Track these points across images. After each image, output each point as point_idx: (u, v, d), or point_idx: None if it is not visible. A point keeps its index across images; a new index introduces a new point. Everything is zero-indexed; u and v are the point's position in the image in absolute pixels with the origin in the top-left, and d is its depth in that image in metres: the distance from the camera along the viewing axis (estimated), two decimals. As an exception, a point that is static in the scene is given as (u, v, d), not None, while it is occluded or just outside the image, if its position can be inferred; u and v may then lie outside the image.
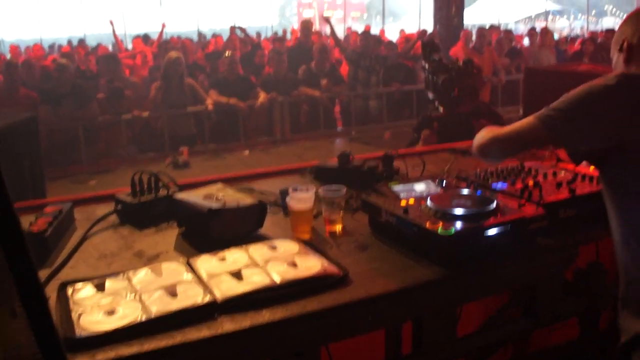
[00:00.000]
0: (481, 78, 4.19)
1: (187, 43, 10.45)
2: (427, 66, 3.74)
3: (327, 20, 9.88)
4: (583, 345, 2.53)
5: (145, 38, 12.73)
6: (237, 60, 8.40)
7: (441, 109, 3.73)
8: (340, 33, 14.36)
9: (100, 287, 1.63)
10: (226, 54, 8.44)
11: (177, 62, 7.59)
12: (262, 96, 8.16)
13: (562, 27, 27.30)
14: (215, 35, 14.60)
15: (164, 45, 9.85)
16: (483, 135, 2.08)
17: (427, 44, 4.05)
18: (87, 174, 7.08)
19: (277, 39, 11.48)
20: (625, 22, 1.96)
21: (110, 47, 13.42)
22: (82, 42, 14.94)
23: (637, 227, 1.78)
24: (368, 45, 9.20)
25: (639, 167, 1.75)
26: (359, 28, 18.55)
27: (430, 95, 3.78)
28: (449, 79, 3.63)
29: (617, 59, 1.97)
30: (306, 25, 10.18)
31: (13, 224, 0.77)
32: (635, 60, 1.89)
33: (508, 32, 13.14)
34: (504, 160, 2.20)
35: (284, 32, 16.74)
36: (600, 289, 2.25)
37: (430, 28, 13.62)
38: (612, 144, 1.75)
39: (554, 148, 2.46)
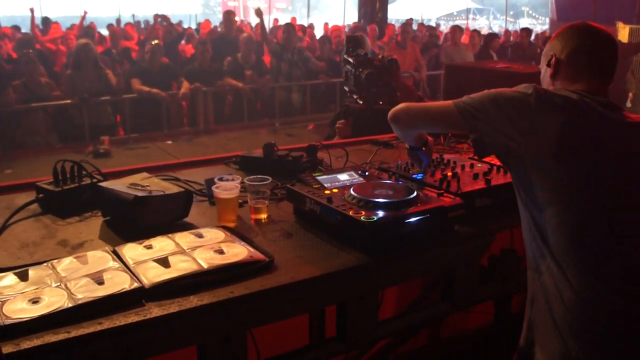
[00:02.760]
0: (400, 76, 4.28)
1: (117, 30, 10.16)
2: (350, 60, 3.80)
3: (259, 14, 9.73)
4: (497, 327, 2.65)
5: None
6: (160, 49, 8.26)
7: (360, 103, 3.80)
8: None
9: (23, 276, 1.61)
10: (151, 43, 8.26)
11: (86, 48, 7.41)
12: (185, 86, 8.08)
13: (481, 25, 28.07)
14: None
15: (87, 31, 9.57)
16: (400, 104, 2.12)
17: (351, 38, 4.12)
18: (2, 162, 6.83)
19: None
20: (555, 37, 1.93)
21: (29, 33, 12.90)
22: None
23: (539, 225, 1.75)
24: (291, 38, 9.19)
25: (532, 176, 1.72)
26: (284, 19, 18.53)
27: (348, 88, 3.84)
28: (373, 73, 3.70)
29: (544, 72, 1.96)
30: (229, 16, 10.10)
31: None
32: (561, 76, 1.88)
33: (431, 28, 13.43)
34: (410, 133, 2.22)
35: (207, 22, 16.50)
36: (513, 274, 2.37)
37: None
38: (509, 147, 1.74)
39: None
